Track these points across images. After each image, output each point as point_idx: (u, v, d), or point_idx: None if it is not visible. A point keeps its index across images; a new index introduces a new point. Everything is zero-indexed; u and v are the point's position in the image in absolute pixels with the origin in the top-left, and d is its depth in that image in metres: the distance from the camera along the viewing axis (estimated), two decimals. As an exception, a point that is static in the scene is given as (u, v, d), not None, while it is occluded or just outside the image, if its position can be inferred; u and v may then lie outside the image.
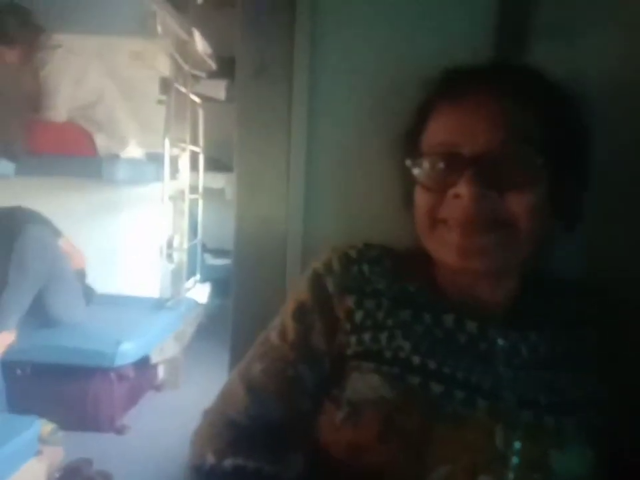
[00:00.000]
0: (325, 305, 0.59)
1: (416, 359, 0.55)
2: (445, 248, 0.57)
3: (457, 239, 0.55)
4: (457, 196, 0.54)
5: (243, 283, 0.78)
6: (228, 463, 0.54)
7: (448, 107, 0.58)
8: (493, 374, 0.56)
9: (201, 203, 2.92)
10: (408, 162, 0.59)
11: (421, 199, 0.58)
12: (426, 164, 0.57)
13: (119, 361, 2.07)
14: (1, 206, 2.18)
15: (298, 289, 0.62)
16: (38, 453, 1.57)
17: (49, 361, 2.04)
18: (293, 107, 0.75)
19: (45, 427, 1.68)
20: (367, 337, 0.57)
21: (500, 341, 0.58)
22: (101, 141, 2.31)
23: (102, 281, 2.44)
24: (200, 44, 2.75)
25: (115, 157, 2.34)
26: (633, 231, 0.72)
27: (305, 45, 0.74)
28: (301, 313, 0.60)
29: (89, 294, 2.31)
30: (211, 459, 0.55)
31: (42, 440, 1.62)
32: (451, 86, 0.59)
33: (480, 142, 0.54)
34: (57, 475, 1.67)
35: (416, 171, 0.58)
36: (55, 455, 1.70)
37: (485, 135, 0.54)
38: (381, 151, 0.69)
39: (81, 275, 2.30)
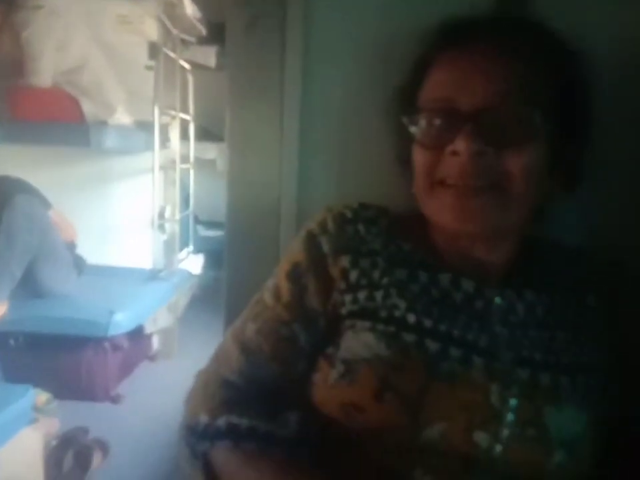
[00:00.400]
0: (320, 264, 0.58)
1: (411, 317, 0.55)
2: (441, 211, 0.56)
3: (453, 200, 0.54)
4: (454, 153, 0.53)
5: (237, 250, 0.76)
6: (221, 421, 0.53)
7: (446, 61, 0.56)
8: (489, 332, 0.56)
9: (192, 173, 2.88)
10: (405, 119, 0.57)
11: (419, 157, 0.57)
12: (423, 120, 0.56)
13: (113, 331, 2.08)
14: (-15, 176, 2.14)
15: (292, 250, 0.61)
16: (34, 421, 1.58)
17: (43, 331, 2.04)
18: (286, 65, 0.72)
19: (39, 396, 1.69)
20: (361, 295, 0.56)
21: (497, 300, 0.57)
22: (87, 107, 2.25)
23: (94, 252, 2.42)
24: (189, 7, 2.67)
25: (102, 124, 2.28)
26: (634, 197, 0.70)
27: (299, 6, 0.71)
28: (295, 274, 0.59)
29: (80, 265, 2.29)
30: (204, 418, 0.54)
31: (37, 409, 1.63)
32: (450, 38, 0.57)
33: (478, 97, 0.52)
34: (54, 443, 1.68)
35: (413, 128, 0.56)
36: (51, 425, 1.71)
37: (483, 90, 0.52)
38: (378, 111, 0.66)
39: (72, 246, 2.27)
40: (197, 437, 0.54)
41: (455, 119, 0.53)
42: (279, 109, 0.73)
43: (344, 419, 0.53)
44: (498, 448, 0.52)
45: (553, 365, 0.55)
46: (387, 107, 0.62)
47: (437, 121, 0.55)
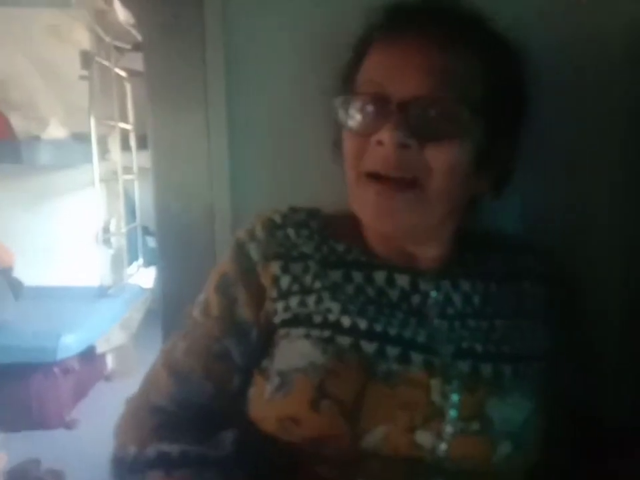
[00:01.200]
0: (250, 274, 0.56)
1: (346, 320, 0.53)
2: (364, 207, 0.55)
3: (374, 197, 0.53)
4: (379, 142, 0.52)
5: (170, 264, 0.73)
6: (151, 450, 0.51)
7: (382, 45, 0.54)
8: (427, 327, 0.55)
9: (136, 183, 2.79)
10: (337, 100, 0.55)
11: (348, 146, 0.55)
12: (354, 105, 0.54)
13: (62, 354, 2.00)
14: None
15: (221, 261, 0.59)
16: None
17: (-15, 362, 1.93)
18: (208, 66, 0.69)
19: (-17, 432, 1.59)
20: (294, 302, 0.55)
21: (433, 293, 0.57)
22: (17, 123, 2.14)
23: (37, 274, 2.31)
24: (121, 13, 2.57)
25: (35, 139, 2.18)
26: (569, 188, 0.71)
27: (216, 3, 0.68)
28: (224, 286, 0.57)
29: (16, 289, 2.17)
30: (133, 449, 0.52)
31: (-18, 446, 1.53)
32: (385, 22, 0.56)
33: (409, 88, 0.51)
34: (2, 480, 1.59)
35: (343, 113, 0.55)
36: (-1, 460, 1.62)
37: (415, 80, 0.51)
38: (305, 111, 0.65)
39: (7, 271, 2.16)
40: (127, 469, 0.52)
41: (384, 107, 0.52)
42: (205, 111, 0.70)
43: (282, 434, 0.51)
44: (442, 446, 0.51)
45: (494, 355, 0.55)
46: (311, 111, 0.61)
47: (367, 108, 0.53)
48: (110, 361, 2.44)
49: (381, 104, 0.52)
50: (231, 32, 0.69)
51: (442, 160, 0.52)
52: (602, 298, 0.71)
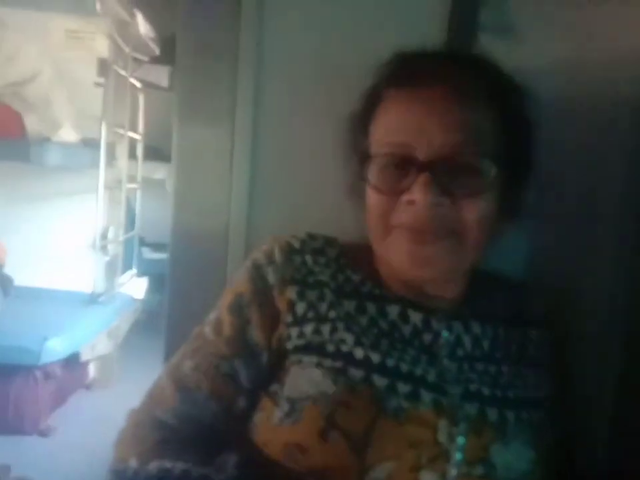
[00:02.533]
0: (265, 296, 0.56)
1: (359, 352, 0.53)
2: (397, 256, 0.55)
3: (410, 246, 0.53)
4: (410, 202, 0.52)
5: (181, 278, 0.73)
6: (153, 466, 0.50)
7: (399, 100, 0.55)
8: (437, 366, 0.55)
9: (139, 193, 2.79)
10: (358, 161, 0.56)
11: (374, 202, 0.55)
12: (377, 164, 0.54)
13: (45, 359, 1.95)
14: None
15: (236, 281, 0.59)
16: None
17: (-35, 359, 1.89)
18: (238, 89, 0.70)
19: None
20: (308, 329, 0.54)
21: (444, 333, 0.57)
22: (31, 123, 2.15)
23: (29, 274, 2.28)
24: (142, 26, 2.62)
25: (45, 140, 2.18)
26: (576, 233, 0.73)
27: (252, 28, 0.70)
28: (238, 306, 0.57)
29: (5, 284, 2.14)
30: (134, 463, 0.51)
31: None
32: (401, 74, 0.56)
33: (435, 145, 0.51)
34: (-31, 484, 1.54)
35: (366, 172, 0.55)
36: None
37: (440, 138, 0.52)
38: (329, 140, 0.66)
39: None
40: None
41: (410, 166, 0.52)
42: (230, 132, 0.71)
43: (287, 461, 0.51)
44: None
45: (500, 400, 0.55)
46: (339, 139, 0.61)
47: (392, 167, 0.54)
48: (92, 370, 2.39)
49: (407, 163, 0.52)
50: (264, 55, 0.71)
51: (476, 213, 0.53)
52: (602, 344, 0.72)
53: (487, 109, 0.54)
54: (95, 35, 2.46)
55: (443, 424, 0.52)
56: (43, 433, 1.98)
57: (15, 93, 2.19)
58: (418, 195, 0.51)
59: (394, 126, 0.54)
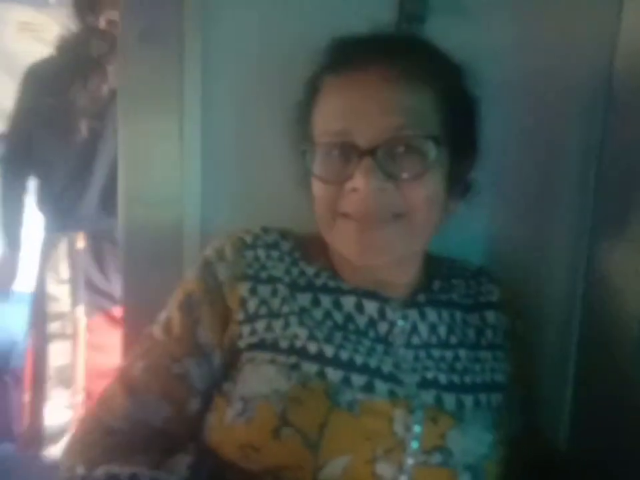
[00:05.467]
0: (216, 294, 0.55)
1: (313, 347, 0.52)
2: (345, 244, 0.54)
3: (357, 235, 0.52)
4: (354, 189, 0.51)
5: (134, 276, 0.71)
6: (100, 471, 0.48)
7: (336, 84, 0.53)
8: (393, 356, 0.54)
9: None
10: (302, 151, 0.55)
11: (319, 191, 0.54)
12: (319, 154, 0.53)
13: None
14: None
15: (187, 279, 0.57)
16: None
17: None
18: (185, 80, 0.68)
19: None
20: (260, 326, 0.53)
21: (400, 322, 0.56)
22: (-19, 118, 2.06)
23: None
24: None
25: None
26: (534, 218, 0.73)
27: (197, 12, 0.68)
28: (188, 305, 0.55)
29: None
30: (81, 470, 0.49)
31: None
32: (338, 58, 0.55)
33: (375, 130, 0.50)
34: None
35: (310, 161, 0.54)
36: None
37: (379, 122, 0.50)
38: (279, 129, 0.64)
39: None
40: None
41: (352, 153, 0.51)
42: (179, 123, 0.69)
43: (241, 461, 0.50)
44: (402, 479, 0.50)
45: (457, 386, 0.55)
46: (284, 129, 0.60)
47: (334, 155, 0.52)
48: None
49: (348, 150, 0.51)
50: (209, 42, 0.68)
51: (420, 195, 0.52)
52: (560, 328, 0.72)
53: (426, 89, 0.52)
54: (48, 27, 2.39)
55: (398, 414, 0.51)
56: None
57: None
58: (360, 181, 0.50)
59: (332, 113, 0.53)
